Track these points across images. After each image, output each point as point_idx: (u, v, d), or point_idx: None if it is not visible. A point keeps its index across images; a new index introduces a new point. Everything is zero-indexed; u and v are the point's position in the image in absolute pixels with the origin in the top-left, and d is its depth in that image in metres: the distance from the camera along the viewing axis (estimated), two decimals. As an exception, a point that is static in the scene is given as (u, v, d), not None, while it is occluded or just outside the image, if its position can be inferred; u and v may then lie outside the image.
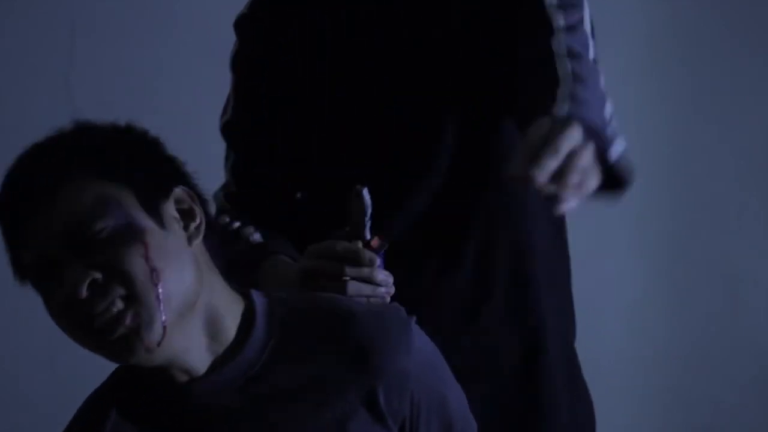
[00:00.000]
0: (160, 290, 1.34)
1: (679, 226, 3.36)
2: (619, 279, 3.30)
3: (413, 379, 1.43)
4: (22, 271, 1.39)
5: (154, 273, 1.34)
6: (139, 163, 1.40)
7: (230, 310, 1.43)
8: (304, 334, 1.44)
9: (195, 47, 3.00)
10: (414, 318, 1.46)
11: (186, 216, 1.41)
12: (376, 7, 1.75)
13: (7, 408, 2.94)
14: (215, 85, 3.12)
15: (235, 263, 1.76)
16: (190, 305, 1.38)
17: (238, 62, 1.85)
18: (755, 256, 3.37)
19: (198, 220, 1.42)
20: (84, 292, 1.32)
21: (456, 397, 1.51)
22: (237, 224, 1.80)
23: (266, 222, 1.79)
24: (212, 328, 1.41)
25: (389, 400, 1.42)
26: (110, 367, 1.46)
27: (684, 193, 3.33)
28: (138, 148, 1.42)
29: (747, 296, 3.38)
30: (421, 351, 1.45)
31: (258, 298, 1.46)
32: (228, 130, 1.86)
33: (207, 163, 2.86)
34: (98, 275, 1.33)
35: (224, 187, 1.87)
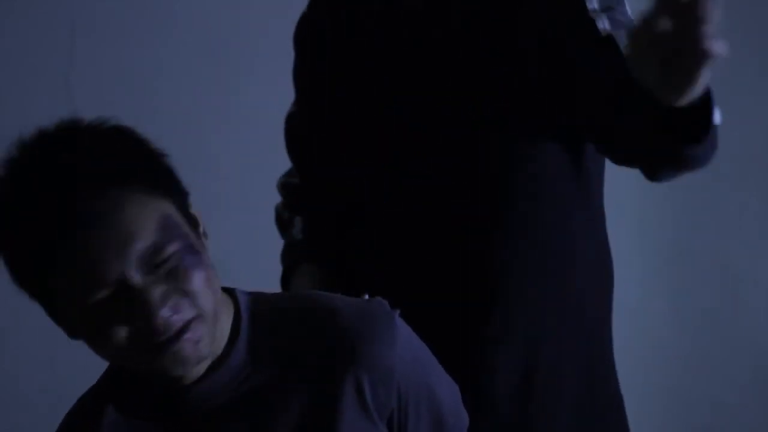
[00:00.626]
0: (214, 306, 1.37)
1: (679, 226, 3.36)
2: (619, 279, 3.30)
3: (399, 373, 1.43)
4: (51, 298, 1.35)
5: (213, 291, 1.37)
6: (162, 169, 1.39)
7: (224, 311, 1.44)
8: (290, 333, 1.45)
9: (195, 47, 3.01)
10: (398, 311, 1.46)
11: (194, 220, 1.42)
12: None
13: (7, 408, 2.95)
14: (215, 85, 3.12)
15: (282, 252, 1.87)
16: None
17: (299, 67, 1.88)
18: (755, 256, 3.37)
19: (201, 224, 1.43)
20: (167, 314, 1.32)
21: (447, 391, 1.51)
22: (287, 214, 1.91)
23: (313, 219, 1.86)
24: (215, 333, 1.42)
25: (376, 394, 1.42)
26: (110, 367, 1.47)
27: (684, 193, 3.33)
28: (149, 151, 1.40)
29: (747, 296, 3.38)
30: (405, 345, 1.46)
31: (241, 297, 1.47)
32: (286, 123, 1.90)
33: (207, 162, 2.87)
34: (176, 299, 1.34)
35: (284, 175, 1.94)
